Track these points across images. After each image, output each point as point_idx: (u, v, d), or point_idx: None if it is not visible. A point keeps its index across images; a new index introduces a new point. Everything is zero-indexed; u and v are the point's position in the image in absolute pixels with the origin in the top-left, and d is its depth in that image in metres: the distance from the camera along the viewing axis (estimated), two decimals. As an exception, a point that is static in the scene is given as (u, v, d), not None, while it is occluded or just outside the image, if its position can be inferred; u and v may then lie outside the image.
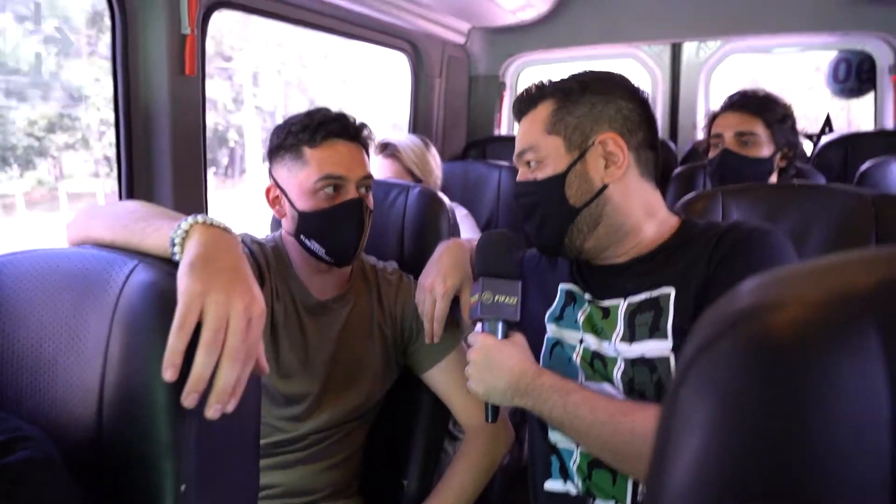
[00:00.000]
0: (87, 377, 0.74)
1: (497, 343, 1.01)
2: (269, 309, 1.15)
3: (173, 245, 0.76)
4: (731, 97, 1.93)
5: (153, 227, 0.80)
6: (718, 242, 0.97)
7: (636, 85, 1.08)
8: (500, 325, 1.02)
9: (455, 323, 1.27)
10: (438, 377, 1.33)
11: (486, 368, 1.00)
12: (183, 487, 0.70)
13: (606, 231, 1.04)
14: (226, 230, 0.78)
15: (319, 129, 1.21)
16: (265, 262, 1.26)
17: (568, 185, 1.03)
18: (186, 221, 0.77)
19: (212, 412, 0.69)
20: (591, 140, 1.02)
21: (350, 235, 1.23)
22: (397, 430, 1.43)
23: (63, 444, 0.72)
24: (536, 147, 1.05)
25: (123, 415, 0.72)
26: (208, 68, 1.48)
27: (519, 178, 1.10)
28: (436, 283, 1.20)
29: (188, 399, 0.68)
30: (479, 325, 1.08)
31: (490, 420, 1.04)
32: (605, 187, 1.02)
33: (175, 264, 0.75)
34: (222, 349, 0.69)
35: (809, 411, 0.27)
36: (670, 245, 1.03)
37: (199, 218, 0.77)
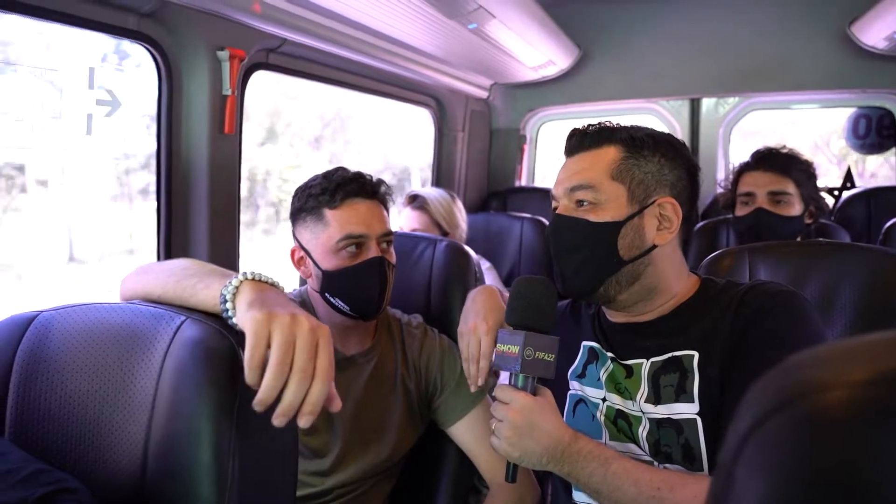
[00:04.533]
0: (133, 432, 0.76)
1: (535, 404, 0.94)
2: None
3: (224, 301, 0.78)
4: (758, 154, 1.95)
5: (204, 284, 0.83)
6: (740, 305, 0.97)
7: (696, 161, 1.09)
8: (532, 382, 0.96)
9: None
10: (463, 431, 1.33)
11: (524, 432, 0.94)
12: None
13: (641, 289, 1.04)
14: (274, 285, 0.81)
15: (338, 190, 1.24)
16: None
17: (622, 235, 1.01)
18: (237, 278, 0.80)
19: (277, 421, 0.70)
20: (652, 199, 1.02)
21: (373, 291, 1.25)
22: (422, 484, 1.42)
23: (106, 498, 0.74)
24: (597, 188, 1.02)
25: (167, 471, 0.73)
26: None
27: (562, 211, 1.05)
28: (478, 323, 1.17)
29: (273, 412, 0.69)
30: (503, 376, 1.03)
31: (510, 480, 0.98)
32: (653, 247, 1.03)
33: (224, 322, 0.77)
34: (291, 369, 0.70)
35: (863, 488, 0.27)
36: (691, 305, 1.04)
37: (249, 274, 0.80)
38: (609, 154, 1.03)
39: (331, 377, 0.73)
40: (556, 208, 1.08)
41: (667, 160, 1.03)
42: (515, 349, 0.95)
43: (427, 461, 1.42)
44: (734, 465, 0.34)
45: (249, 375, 0.70)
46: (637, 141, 1.03)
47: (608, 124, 1.06)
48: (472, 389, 1.14)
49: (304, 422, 0.71)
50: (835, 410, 0.29)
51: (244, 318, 0.73)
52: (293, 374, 0.70)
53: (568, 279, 1.05)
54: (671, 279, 1.05)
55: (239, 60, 1.44)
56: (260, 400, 0.69)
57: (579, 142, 1.06)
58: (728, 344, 0.96)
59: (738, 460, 0.33)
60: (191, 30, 1.40)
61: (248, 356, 0.70)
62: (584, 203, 1.02)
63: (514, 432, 0.94)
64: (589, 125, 1.07)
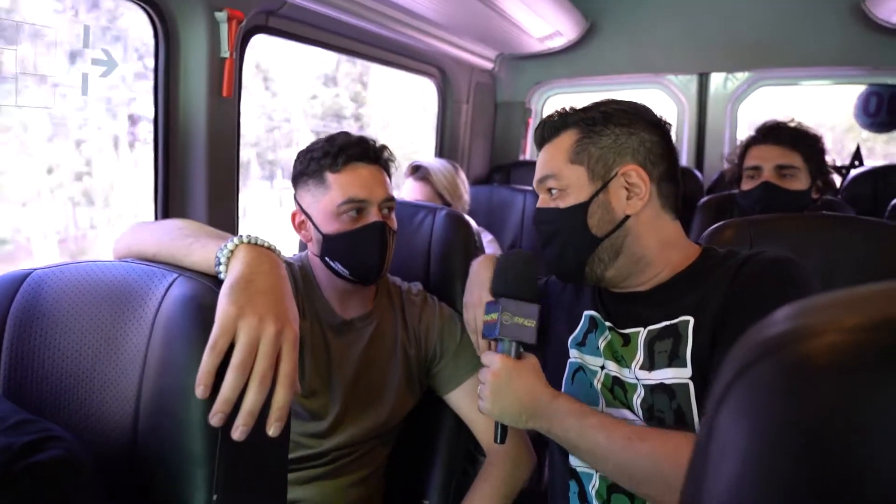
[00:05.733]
0: (124, 387, 0.76)
1: (514, 365, 0.99)
2: None
3: (219, 263, 0.78)
4: (765, 128, 1.92)
5: (200, 244, 0.82)
6: (738, 271, 0.97)
7: (659, 117, 1.09)
8: (514, 347, 1.01)
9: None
10: (461, 399, 1.34)
11: (502, 390, 0.99)
12: (215, 497, 0.71)
13: (627, 261, 1.04)
14: (270, 249, 0.81)
15: (340, 153, 1.24)
16: (293, 282, 1.28)
17: (590, 214, 1.03)
18: (233, 241, 0.79)
19: (238, 434, 0.70)
20: (613, 171, 1.03)
21: (373, 256, 1.25)
22: (419, 450, 1.43)
23: (97, 452, 0.74)
24: (559, 175, 1.05)
25: (158, 425, 0.73)
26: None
27: (540, 204, 1.10)
28: (482, 295, 1.20)
29: (214, 418, 0.70)
30: (493, 345, 1.07)
31: (499, 441, 1.02)
32: (626, 218, 1.03)
33: (217, 280, 0.77)
34: (251, 372, 0.71)
35: (848, 437, 0.27)
36: (690, 273, 1.04)
37: (245, 238, 0.80)
38: (566, 140, 1.06)
39: (293, 381, 0.74)
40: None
41: (623, 128, 1.04)
42: (496, 316, 1.01)
43: (424, 428, 1.43)
44: (717, 413, 0.33)
45: (206, 358, 0.70)
46: (588, 120, 1.05)
47: (564, 111, 1.08)
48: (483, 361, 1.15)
49: (272, 430, 0.72)
50: (828, 355, 0.28)
51: (218, 303, 0.73)
52: (252, 379, 0.71)
53: (554, 266, 1.09)
54: (657, 246, 1.05)
55: (237, 22, 1.41)
56: (217, 409, 0.69)
57: (541, 135, 1.10)
58: (721, 308, 0.96)
59: (722, 407, 0.32)
60: (189, -11, 1.37)
61: (211, 343, 0.70)
62: (554, 192, 1.06)
63: (490, 390, 0.99)
64: (549, 116, 1.10)
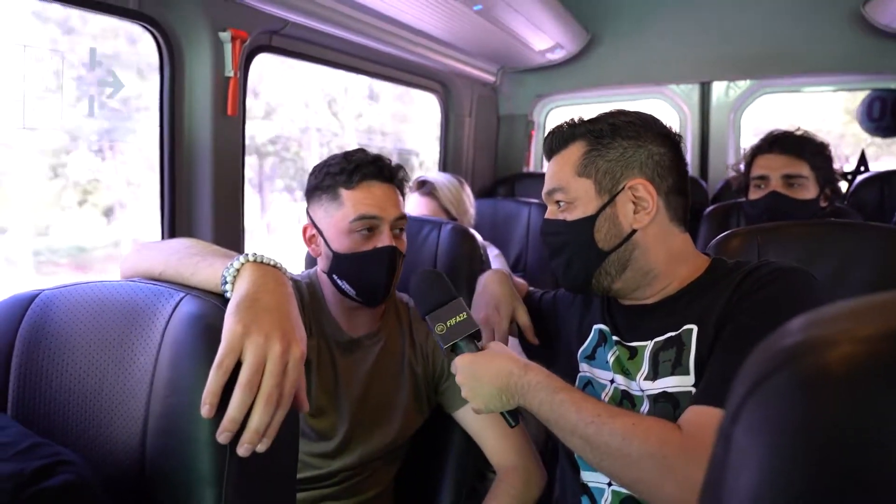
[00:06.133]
0: (132, 407, 0.75)
1: (475, 356, 1.00)
2: None
3: (225, 282, 0.78)
4: (771, 137, 1.91)
5: (207, 263, 0.82)
6: (743, 279, 0.96)
7: (668, 128, 1.08)
8: (468, 343, 1.02)
9: None
10: (470, 416, 1.32)
11: (474, 383, 0.99)
12: None
13: (634, 274, 1.04)
14: (276, 267, 0.81)
15: (356, 171, 1.24)
16: (300, 299, 1.28)
17: (597, 228, 1.03)
18: (239, 260, 0.79)
19: (243, 451, 0.70)
20: (621, 185, 1.02)
21: (380, 280, 1.24)
22: (428, 468, 1.41)
23: (106, 473, 0.74)
24: (567, 188, 1.05)
25: (166, 445, 0.73)
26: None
27: (547, 215, 1.09)
28: (490, 314, 1.20)
29: (221, 436, 0.70)
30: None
31: (513, 424, 1.02)
32: (633, 232, 1.02)
33: (223, 299, 0.77)
34: (258, 391, 0.71)
35: (865, 446, 0.27)
36: (697, 285, 1.03)
37: (251, 256, 0.80)
38: (574, 152, 1.05)
39: (290, 401, 0.74)
40: None
41: (630, 141, 1.03)
42: (436, 332, 1.03)
43: (433, 445, 1.42)
44: (733, 428, 0.32)
45: (213, 377, 0.70)
46: (596, 132, 1.04)
47: (572, 122, 1.08)
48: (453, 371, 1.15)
49: (261, 447, 0.71)
50: (843, 366, 0.28)
51: (224, 322, 0.73)
52: (259, 398, 0.71)
53: (561, 278, 1.09)
54: (666, 260, 1.04)
55: (241, 42, 1.43)
56: (224, 427, 0.69)
57: (549, 146, 1.10)
58: (723, 313, 0.95)
59: (737, 422, 0.32)
60: (192, 10, 1.39)
61: (217, 362, 0.70)
62: (562, 204, 1.06)
63: (467, 389, 1.00)
64: (557, 126, 1.09)
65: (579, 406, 0.91)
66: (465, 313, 1.02)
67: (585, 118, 1.09)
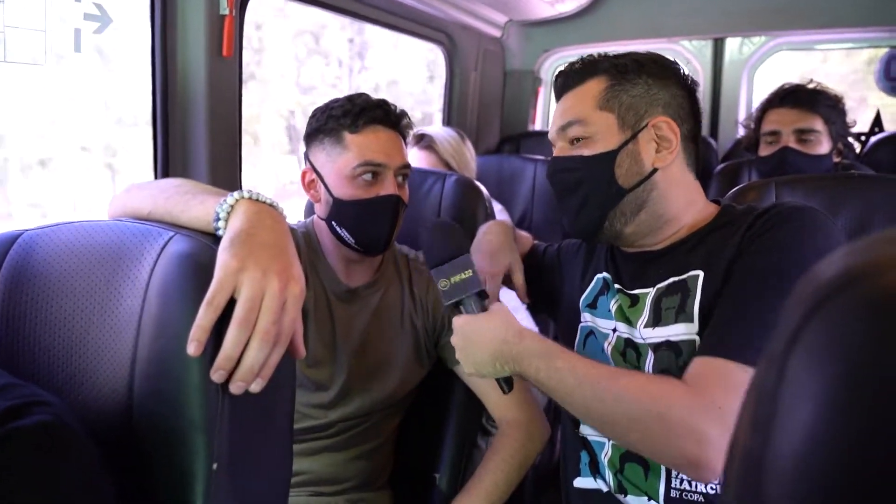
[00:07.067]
0: (119, 350, 0.72)
1: (472, 318, 0.97)
2: None
3: (217, 219, 0.74)
4: (782, 90, 1.85)
5: (198, 200, 0.78)
6: (754, 220, 0.93)
7: (689, 74, 1.05)
8: (472, 301, 0.99)
9: None
10: (471, 370, 1.30)
11: (468, 346, 0.97)
12: (214, 466, 0.67)
13: (648, 217, 1.00)
14: (272, 206, 0.77)
15: (362, 114, 1.19)
16: (296, 248, 1.24)
17: (618, 164, 0.98)
18: (233, 196, 0.75)
19: (235, 388, 0.67)
20: (644, 121, 0.98)
21: (382, 229, 1.20)
22: (429, 422, 1.39)
23: (93, 418, 0.70)
24: (586, 122, 1.00)
25: (155, 389, 0.69)
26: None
27: (558, 153, 1.04)
28: (483, 265, 1.16)
29: (215, 375, 0.66)
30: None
31: (507, 390, 0.99)
32: (654, 171, 0.99)
33: (215, 238, 0.73)
34: (254, 328, 0.67)
35: None
36: (705, 230, 0.99)
37: (246, 193, 0.75)
38: (594, 86, 1.01)
39: (288, 340, 0.70)
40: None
41: (655, 79, 1.00)
42: (440, 287, 1.00)
43: (434, 400, 1.39)
44: (787, 358, 0.29)
45: (203, 313, 0.65)
46: (620, 67, 1.00)
47: (591, 57, 1.03)
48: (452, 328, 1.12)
49: (255, 386, 0.68)
50: None
51: (219, 255, 0.69)
52: (254, 335, 0.67)
53: (572, 220, 1.04)
54: (681, 204, 1.01)
55: (237, -22, 1.35)
56: (219, 365, 0.66)
57: (565, 81, 1.05)
58: (734, 255, 0.91)
59: (793, 351, 0.29)
60: (184, -57, 1.31)
61: (208, 297, 0.66)
62: (578, 140, 1.01)
63: (460, 352, 0.99)
64: (573, 62, 1.04)
65: (577, 371, 0.88)
66: (470, 270, 0.98)
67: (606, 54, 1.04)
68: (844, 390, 0.26)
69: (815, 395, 0.27)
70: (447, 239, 1.01)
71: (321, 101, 1.25)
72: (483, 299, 1.00)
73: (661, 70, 1.01)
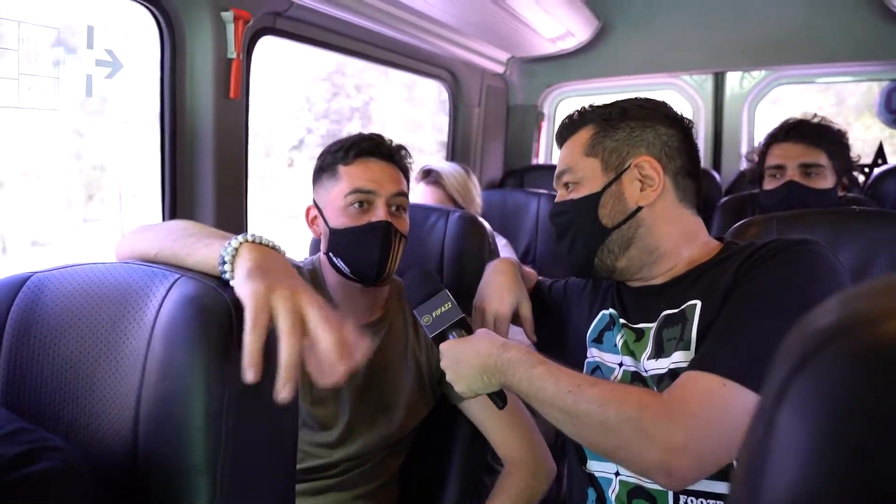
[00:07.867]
0: (124, 391, 0.72)
1: (458, 341, 1.03)
2: None
3: (223, 262, 0.75)
4: (787, 125, 1.87)
5: (203, 244, 0.79)
6: (752, 254, 0.94)
7: (678, 112, 1.09)
8: (455, 331, 1.05)
9: None
10: (476, 407, 1.29)
11: (456, 367, 1.01)
12: None
13: (639, 252, 1.03)
14: (274, 248, 0.78)
15: (353, 147, 1.24)
16: None
17: (602, 205, 1.04)
18: (237, 239, 0.76)
19: (337, 374, 0.69)
20: (627, 163, 1.04)
21: (373, 256, 1.21)
22: (434, 460, 1.38)
23: (98, 460, 0.71)
24: (574, 168, 1.07)
25: (159, 430, 0.70)
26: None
27: (556, 199, 1.12)
28: (492, 304, 1.18)
29: (285, 390, 0.66)
30: None
31: (501, 405, 1.03)
32: (638, 209, 1.02)
33: (220, 281, 0.74)
34: (304, 330, 0.68)
35: None
36: (707, 265, 1.01)
37: (249, 237, 0.77)
38: (583, 135, 1.08)
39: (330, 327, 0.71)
40: None
41: (638, 122, 1.05)
42: (424, 324, 1.07)
43: (438, 437, 1.38)
44: (776, 410, 0.30)
45: (250, 339, 0.66)
46: (605, 115, 1.07)
47: (583, 109, 1.11)
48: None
49: (325, 379, 0.70)
50: (892, 340, 0.26)
51: (243, 288, 0.70)
52: (315, 327, 0.69)
53: (567, 258, 1.11)
54: (674, 239, 1.03)
55: (244, 22, 1.39)
56: (286, 377, 0.66)
57: (561, 133, 1.13)
58: (730, 286, 0.92)
59: (782, 403, 0.29)
60: (193, -11, 1.35)
61: (251, 324, 0.67)
62: (570, 186, 1.08)
63: (450, 372, 1.03)
64: (569, 114, 1.12)
65: (557, 377, 0.90)
66: (449, 303, 1.06)
67: (597, 105, 1.11)
68: (829, 444, 0.27)
69: (804, 444, 0.27)
70: (423, 281, 1.09)
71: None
72: (465, 328, 1.06)
73: (645, 112, 1.06)
